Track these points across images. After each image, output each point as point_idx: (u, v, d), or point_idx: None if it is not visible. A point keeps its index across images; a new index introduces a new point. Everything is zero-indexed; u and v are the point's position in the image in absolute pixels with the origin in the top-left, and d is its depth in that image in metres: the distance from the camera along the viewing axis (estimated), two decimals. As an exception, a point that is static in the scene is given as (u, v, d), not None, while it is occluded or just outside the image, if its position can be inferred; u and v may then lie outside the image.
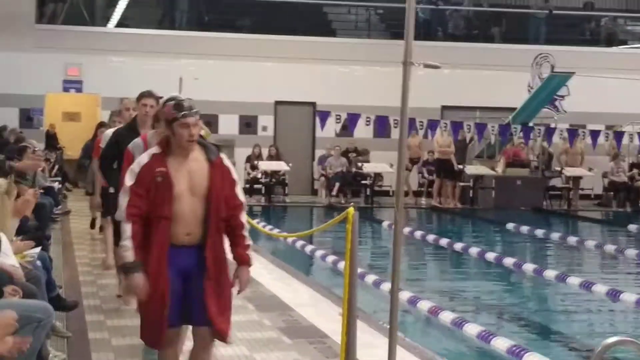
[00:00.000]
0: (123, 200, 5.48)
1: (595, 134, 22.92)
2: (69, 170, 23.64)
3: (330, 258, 13.63)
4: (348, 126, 22.79)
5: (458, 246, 15.74)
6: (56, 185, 17.49)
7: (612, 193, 24.50)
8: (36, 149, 15.03)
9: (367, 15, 27.94)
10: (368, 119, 21.85)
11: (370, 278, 11.73)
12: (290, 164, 23.44)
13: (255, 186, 23.45)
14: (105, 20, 25.84)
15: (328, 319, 8.84)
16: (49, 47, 23.87)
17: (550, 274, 13.02)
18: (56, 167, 21.77)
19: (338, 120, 22.17)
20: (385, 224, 18.58)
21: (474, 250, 15.16)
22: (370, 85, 24.28)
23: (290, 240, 15.24)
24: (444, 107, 25.75)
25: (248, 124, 24.96)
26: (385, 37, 26.76)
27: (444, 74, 22.42)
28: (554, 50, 25.28)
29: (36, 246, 8.04)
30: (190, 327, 5.93)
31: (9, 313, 4.87)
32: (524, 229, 18.45)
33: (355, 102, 23.42)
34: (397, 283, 6.51)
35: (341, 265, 9.32)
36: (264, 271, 11.58)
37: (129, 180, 5.50)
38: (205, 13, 26.78)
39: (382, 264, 13.85)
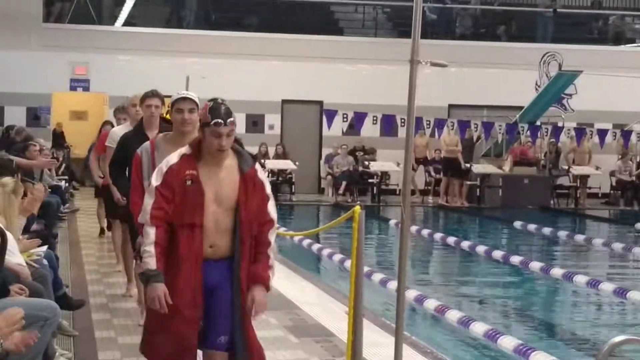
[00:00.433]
0: (147, 201, 5.08)
1: (602, 133, 22.87)
2: (76, 169, 23.69)
3: (337, 256, 13.63)
4: (355, 125, 22.78)
5: (465, 245, 15.72)
6: (63, 183, 17.53)
7: (619, 192, 24.45)
8: (43, 148, 15.07)
9: (374, 14, 27.93)
10: (375, 118, 21.84)
11: (377, 277, 11.72)
12: (297, 163, 23.44)
13: (262, 185, 23.40)
14: (112, 19, 25.86)
15: (334, 317, 8.85)
16: (56, 46, 23.90)
17: (557, 272, 13.00)
18: (63, 165, 21.80)
19: (345, 119, 22.16)
20: (391, 222, 18.56)
21: (481, 249, 15.13)
22: (377, 83, 24.25)
23: (296, 238, 15.23)
24: (451, 106, 25.71)
25: (255, 123, 24.97)
26: (392, 36, 26.72)
27: (451, 72, 22.39)
28: (562, 48, 25.23)
29: (43, 245, 8.06)
30: None
31: (16, 310, 4.88)
32: (531, 227, 18.42)
33: (362, 101, 23.41)
34: (403, 282, 6.50)
35: (348, 263, 9.28)
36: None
37: (155, 180, 5.11)
38: (212, 12, 26.79)
39: (389, 263, 13.85)
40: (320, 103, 24.98)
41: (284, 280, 11.09)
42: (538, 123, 23.73)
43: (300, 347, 7.78)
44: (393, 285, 9.99)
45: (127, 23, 25.46)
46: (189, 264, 5.01)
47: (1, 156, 11.70)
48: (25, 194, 8.45)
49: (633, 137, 23.36)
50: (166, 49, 24.23)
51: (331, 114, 21.79)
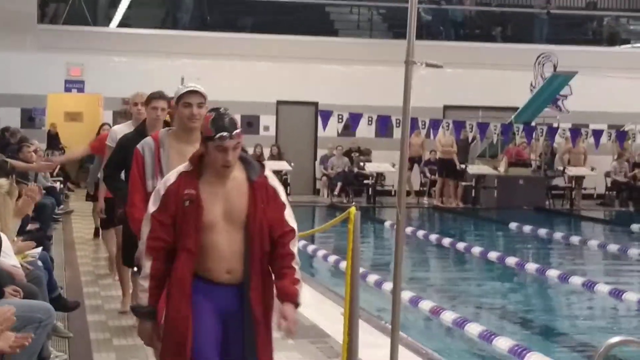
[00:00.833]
0: (144, 229, 4.70)
1: (597, 134, 22.89)
2: (70, 170, 23.63)
3: (332, 258, 13.61)
4: (350, 126, 22.77)
5: (460, 246, 15.71)
6: (58, 185, 17.50)
7: (614, 192, 24.47)
8: (38, 149, 15.06)
9: (369, 15, 27.92)
10: (370, 119, 21.84)
11: (372, 278, 11.72)
12: (292, 164, 23.43)
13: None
14: (107, 20, 25.83)
15: (330, 318, 8.83)
16: (50, 47, 23.86)
17: (552, 273, 13.00)
18: (58, 167, 21.74)
19: (340, 120, 22.17)
20: (387, 223, 18.55)
21: (476, 250, 15.13)
22: (373, 84, 24.25)
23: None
24: (446, 107, 25.72)
25: (250, 124, 24.94)
26: (388, 37, 26.75)
27: (446, 73, 22.23)
28: (557, 49, 25.24)
29: (37, 246, 8.04)
30: None
31: (7, 307, 4.87)
32: (527, 228, 18.42)
33: (357, 102, 23.42)
34: (399, 283, 6.50)
35: (343, 265, 9.29)
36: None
37: (152, 205, 4.68)
38: (207, 13, 26.76)
39: (384, 264, 13.84)
40: (315, 104, 24.97)
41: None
42: (533, 124, 23.73)
43: (295, 348, 7.76)
44: (389, 286, 9.99)
45: (122, 24, 25.43)
46: (177, 288, 4.62)
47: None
48: (19, 196, 8.45)
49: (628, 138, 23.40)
50: (161, 50, 24.22)
51: (326, 115, 21.80)
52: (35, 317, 5.68)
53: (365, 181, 23.85)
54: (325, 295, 10.29)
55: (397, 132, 20.77)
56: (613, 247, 16.07)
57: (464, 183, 23.68)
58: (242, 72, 24.35)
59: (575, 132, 23.41)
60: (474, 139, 24.29)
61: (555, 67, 24.53)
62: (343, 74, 25.22)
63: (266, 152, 23.90)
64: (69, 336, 7.79)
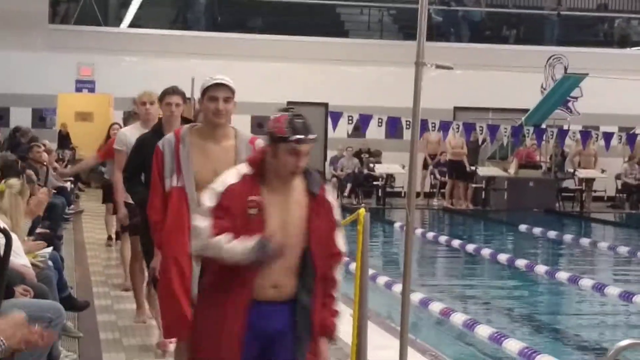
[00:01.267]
0: (201, 224, 4.18)
1: (608, 136, 22.84)
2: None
3: (342, 259, 13.57)
4: (360, 127, 22.74)
5: (470, 247, 15.68)
6: (68, 185, 17.53)
7: (625, 195, 24.41)
8: (51, 150, 15.10)
9: (379, 16, 27.91)
10: (380, 120, 21.81)
11: (382, 279, 11.70)
12: (302, 165, 23.41)
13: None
14: (118, 21, 25.89)
15: (339, 320, 8.80)
16: (61, 47, 23.91)
17: (562, 275, 12.98)
18: (69, 166, 21.80)
19: (350, 121, 22.14)
20: (396, 225, 18.53)
21: (486, 252, 15.11)
22: (383, 86, 24.24)
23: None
24: (457, 108, 25.70)
25: (260, 125, 24.93)
26: (398, 38, 26.73)
27: (456, 75, 22.37)
28: (567, 51, 25.17)
29: (48, 246, 8.06)
30: None
31: (17, 313, 4.86)
32: (537, 230, 18.38)
33: (367, 103, 23.40)
34: (408, 284, 6.49)
35: (352, 266, 9.21)
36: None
37: (209, 201, 4.21)
38: (218, 13, 26.79)
39: (394, 266, 13.83)
40: (325, 105, 24.95)
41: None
42: (543, 126, 23.69)
43: (305, 349, 7.74)
44: (398, 288, 9.97)
45: (132, 24, 25.48)
46: (232, 307, 4.21)
47: (7, 157, 11.71)
48: (31, 195, 8.47)
49: (639, 140, 23.32)
50: (172, 51, 24.24)
51: (336, 116, 21.78)
52: (45, 317, 5.69)
53: (375, 182, 23.84)
54: (335, 297, 10.27)
55: (407, 134, 20.74)
56: (623, 250, 16.03)
57: (474, 185, 23.65)
58: (253, 73, 24.32)
59: (586, 134, 23.36)
60: (484, 140, 24.26)
61: (565, 69, 24.45)
62: (353, 75, 25.21)
63: (276, 153, 23.89)
64: (79, 336, 7.81)
